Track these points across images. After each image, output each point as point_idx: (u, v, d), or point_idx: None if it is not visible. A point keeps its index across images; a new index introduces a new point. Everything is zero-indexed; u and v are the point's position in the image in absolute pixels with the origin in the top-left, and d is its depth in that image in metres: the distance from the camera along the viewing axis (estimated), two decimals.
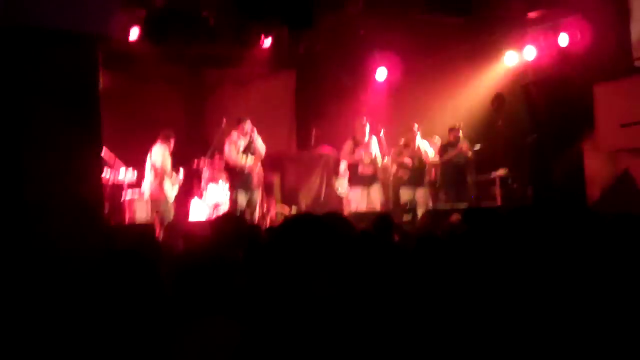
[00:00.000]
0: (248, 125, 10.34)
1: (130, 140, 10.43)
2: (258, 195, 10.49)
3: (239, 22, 11.47)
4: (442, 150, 11.20)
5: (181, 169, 10.43)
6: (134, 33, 10.79)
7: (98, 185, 8.35)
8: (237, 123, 10.40)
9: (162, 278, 3.12)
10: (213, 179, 10.89)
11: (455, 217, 6.68)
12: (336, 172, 11.46)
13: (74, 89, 7.75)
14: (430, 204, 10.94)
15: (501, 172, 11.23)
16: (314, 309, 2.37)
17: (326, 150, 11.89)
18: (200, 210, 10.69)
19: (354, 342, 2.32)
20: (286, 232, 2.72)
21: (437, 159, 11.32)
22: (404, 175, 10.86)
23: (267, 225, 9.90)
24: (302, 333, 2.30)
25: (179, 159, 10.51)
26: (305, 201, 11.02)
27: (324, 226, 2.66)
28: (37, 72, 7.49)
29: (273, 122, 11.96)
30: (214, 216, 9.45)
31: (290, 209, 10.51)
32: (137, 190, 10.29)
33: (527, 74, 12.02)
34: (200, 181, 10.91)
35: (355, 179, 10.74)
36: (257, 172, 10.44)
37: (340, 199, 11.45)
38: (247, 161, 10.33)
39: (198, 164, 10.76)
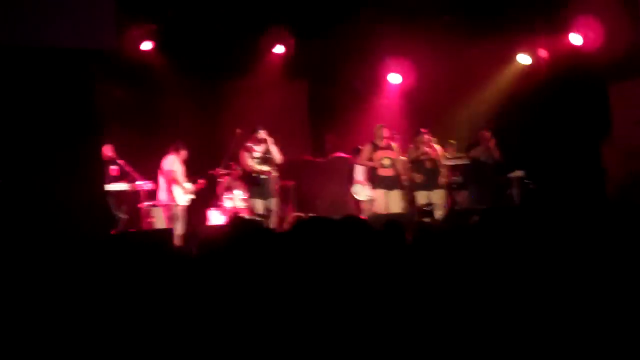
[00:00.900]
0: (263, 133, 10.39)
1: (146, 151, 10.54)
2: (275, 203, 10.52)
3: (250, 32, 11.55)
4: (469, 148, 11.16)
5: (199, 181, 10.50)
6: (147, 46, 10.92)
7: (101, 193, 8.48)
8: (252, 132, 10.46)
9: (173, 283, 3.11)
10: (229, 188, 10.94)
11: (475, 217, 6.65)
12: (352, 178, 11.45)
13: (70, 103, 7.86)
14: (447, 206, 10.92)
15: (519, 173, 11.18)
16: (323, 308, 2.37)
17: (341, 156, 11.91)
18: (217, 219, 10.75)
19: (361, 340, 2.32)
20: (297, 234, 2.74)
21: (455, 161, 11.32)
22: (418, 178, 10.84)
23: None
24: (310, 333, 2.30)
25: (195, 169, 10.58)
26: (322, 206, 11.01)
27: (335, 227, 2.66)
28: (33, 88, 7.61)
29: (288, 130, 11.99)
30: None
31: (307, 215, 10.49)
32: (154, 198, 10.42)
33: (540, 74, 11.99)
34: (216, 191, 10.96)
35: (377, 181, 10.74)
36: (273, 180, 10.48)
37: (358, 204, 11.45)
38: (263, 169, 10.38)
39: (214, 174, 10.82)
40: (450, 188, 11.38)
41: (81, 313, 2.92)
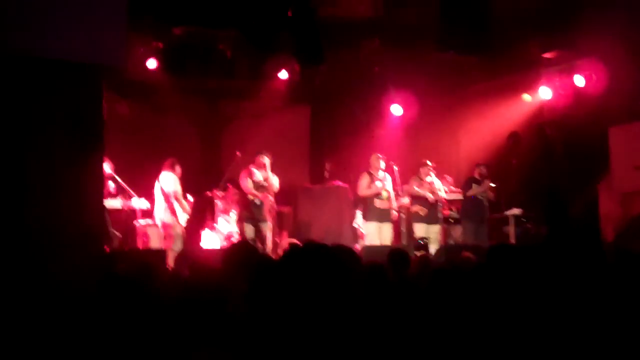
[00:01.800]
0: (265, 159, 10.40)
1: (145, 169, 10.49)
2: (268, 227, 10.49)
3: (254, 56, 11.60)
4: (467, 185, 11.10)
5: (189, 196, 10.41)
6: (152, 64, 10.93)
7: (99, 210, 8.43)
8: (256, 155, 10.46)
9: (164, 304, 3.09)
10: (225, 211, 10.91)
11: (466, 253, 6.66)
12: (354, 205, 11.45)
13: (78, 118, 7.89)
14: (442, 241, 10.90)
15: (515, 211, 11.16)
16: (315, 338, 2.35)
17: (339, 184, 11.90)
18: (212, 241, 10.70)
19: None
20: (292, 260, 2.71)
21: (452, 195, 11.29)
22: (421, 211, 10.81)
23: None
24: None
25: (192, 189, 10.54)
26: (317, 234, 10.97)
27: (330, 255, 2.65)
28: (41, 101, 7.63)
29: (287, 155, 12.00)
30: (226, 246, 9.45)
31: (302, 242, 10.44)
32: (150, 217, 10.32)
33: (542, 114, 12.04)
34: (212, 212, 10.92)
35: (370, 213, 10.72)
36: (268, 205, 10.46)
37: (355, 233, 11.43)
38: (259, 194, 10.39)
39: (211, 195, 10.79)
40: (446, 222, 11.36)
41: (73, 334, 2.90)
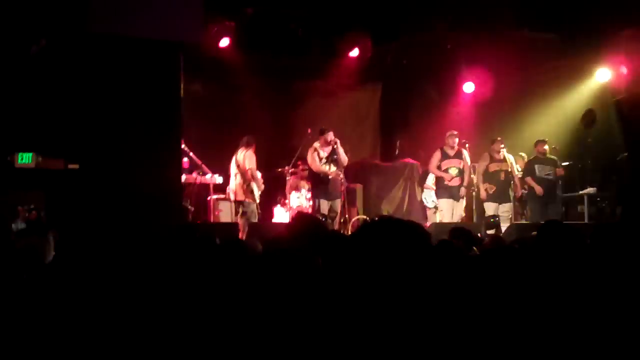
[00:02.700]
0: (331, 135, 10.45)
1: (217, 146, 10.69)
2: (339, 204, 10.57)
3: (326, 34, 11.63)
4: (528, 169, 10.95)
5: (258, 173, 10.55)
6: (225, 43, 11.08)
7: (177, 177, 8.72)
8: (321, 133, 10.52)
9: (239, 278, 3.16)
10: (296, 187, 11.04)
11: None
12: (421, 184, 11.43)
13: (159, 92, 8.18)
14: (513, 219, 10.77)
15: (590, 190, 10.96)
16: (386, 312, 2.38)
17: (410, 161, 11.88)
18: (283, 216, 10.86)
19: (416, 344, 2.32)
20: (367, 232, 2.74)
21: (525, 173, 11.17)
22: (490, 189, 10.73)
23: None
24: (371, 335, 2.31)
25: (264, 166, 10.69)
26: (387, 211, 11.02)
27: (406, 229, 2.66)
28: (125, 76, 7.94)
29: (358, 133, 12.05)
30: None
31: (372, 219, 10.49)
32: (222, 192, 10.56)
33: (619, 91, 11.74)
34: (283, 189, 11.07)
35: (443, 190, 10.71)
36: (339, 181, 10.52)
37: (424, 210, 11.41)
38: (330, 170, 10.43)
39: (282, 172, 10.93)
40: (518, 201, 11.23)
41: (145, 294, 3.01)
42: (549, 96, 12.25)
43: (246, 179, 10.18)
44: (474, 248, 5.83)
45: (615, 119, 11.52)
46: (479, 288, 3.09)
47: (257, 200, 10.32)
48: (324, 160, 10.49)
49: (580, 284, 2.94)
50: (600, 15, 10.85)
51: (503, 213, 10.67)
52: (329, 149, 10.47)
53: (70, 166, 7.49)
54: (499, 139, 10.82)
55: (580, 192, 11.08)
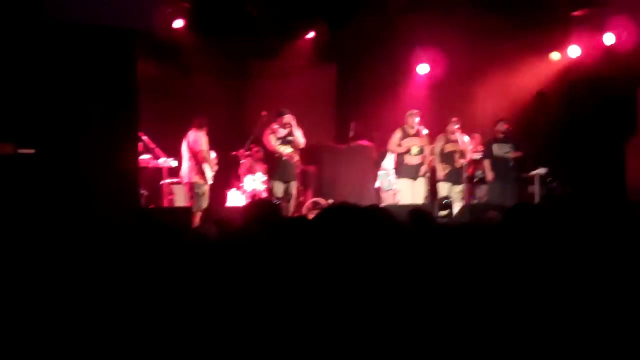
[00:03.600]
0: (288, 117, 10.44)
1: (171, 129, 10.59)
2: (294, 187, 10.59)
3: (281, 15, 11.56)
4: (487, 148, 11.08)
5: (212, 154, 10.49)
6: (178, 24, 10.96)
7: (134, 164, 8.68)
8: (277, 115, 10.51)
9: (192, 265, 3.13)
10: (251, 170, 11.02)
11: (492, 213, 6.67)
12: (377, 165, 11.47)
13: (114, 80, 8.10)
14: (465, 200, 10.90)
15: (541, 170, 11.12)
16: (353, 300, 2.38)
17: (364, 143, 11.90)
18: (237, 200, 10.83)
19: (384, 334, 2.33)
20: (327, 220, 2.73)
21: (478, 154, 11.27)
22: (445, 169, 10.83)
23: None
24: (333, 323, 2.31)
25: (217, 148, 10.63)
26: (341, 193, 11.04)
27: (366, 215, 2.65)
28: (79, 64, 7.84)
29: (313, 115, 12.02)
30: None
31: (327, 201, 10.55)
32: (176, 176, 10.48)
33: (571, 73, 11.91)
34: (238, 171, 11.04)
35: (402, 169, 10.77)
36: (294, 163, 10.53)
37: (377, 193, 11.47)
38: (285, 151, 10.44)
39: (237, 154, 10.89)
40: (470, 182, 11.36)
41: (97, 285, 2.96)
42: (503, 77, 12.37)
43: (198, 161, 10.14)
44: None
45: (566, 101, 11.72)
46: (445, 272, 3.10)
47: (210, 182, 10.29)
48: (280, 141, 10.50)
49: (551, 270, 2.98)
50: None
51: (456, 194, 10.79)
52: (287, 130, 10.47)
53: (21, 151, 7.36)
54: (453, 119, 10.89)
55: (531, 172, 11.23)
